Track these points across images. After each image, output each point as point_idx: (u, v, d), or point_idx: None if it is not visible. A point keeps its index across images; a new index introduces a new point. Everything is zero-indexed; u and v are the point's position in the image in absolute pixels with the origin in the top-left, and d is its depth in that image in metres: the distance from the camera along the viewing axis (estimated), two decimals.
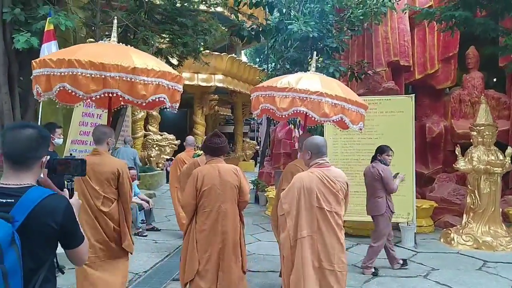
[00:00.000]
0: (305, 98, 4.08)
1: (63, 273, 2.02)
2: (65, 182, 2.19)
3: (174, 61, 10.56)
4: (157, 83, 3.64)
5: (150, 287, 5.05)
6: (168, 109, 3.99)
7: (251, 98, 4.67)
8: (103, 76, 3.43)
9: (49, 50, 7.03)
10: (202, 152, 7.74)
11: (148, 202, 7.93)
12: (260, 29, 9.00)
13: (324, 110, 4.05)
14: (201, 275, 3.79)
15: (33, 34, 7.05)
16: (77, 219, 1.91)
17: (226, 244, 3.82)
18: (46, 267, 1.77)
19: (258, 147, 25.39)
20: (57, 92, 3.55)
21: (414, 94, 7.59)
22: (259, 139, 29.93)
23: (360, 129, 4.47)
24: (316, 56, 9.17)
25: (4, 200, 1.70)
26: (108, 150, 4.00)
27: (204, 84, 17.43)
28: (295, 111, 4.20)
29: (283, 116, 4.43)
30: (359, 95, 9.27)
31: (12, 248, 1.59)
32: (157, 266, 5.83)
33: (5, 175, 1.79)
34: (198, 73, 17.12)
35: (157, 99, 3.69)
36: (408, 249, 6.86)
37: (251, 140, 25.55)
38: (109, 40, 4.22)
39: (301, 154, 4.38)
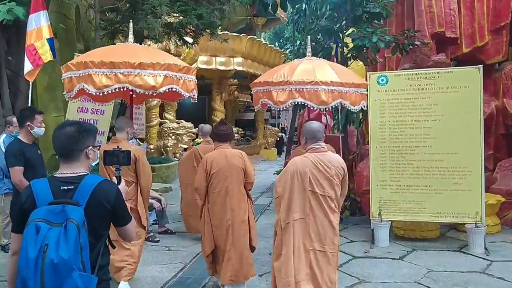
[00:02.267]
0: (301, 89, 4.29)
1: (114, 247, 2.28)
2: (114, 171, 2.58)
3: (189, 39, 9.38)
4: (165, 74, 4.07)
5: None
6: (186, 98, 4.53)
7: (251, 93, 4.79)
8: (113, 73, 3.94)
9: (38, 21, 5.88)
10: (201, 140, 6.94)
11: (160, 201, 6.77)
12: None
13: (321, 98, 4.25)
14: (216, 248, 4.28)
15: (19, 4, 5.93)
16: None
17: (234, 220, 4.22)
18: (103, 242, 2.10)
19: (281, 134, 24.06)
20: (77, 92, 4.17)
21: (482, 65, 6.20)
22: (281, 125, 28.64)
23: (363, 107, 4.94)
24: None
25: (66, 187, 2.02)
26: (128, 139, 4.50)
27: (222, 68, 16.28)
28: (292, 103, 4.41)
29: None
30: (403, 69, 8.09)
31: (83, 227, 1.90)
32: (168, 286, 4.67)
33: (61, 166, 2.12)
34: (216, 56, 15.98)
35: (168, 90, 4.13)
36: (479, 257, 5.52)
37: (272, 126, 24.20)
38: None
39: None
